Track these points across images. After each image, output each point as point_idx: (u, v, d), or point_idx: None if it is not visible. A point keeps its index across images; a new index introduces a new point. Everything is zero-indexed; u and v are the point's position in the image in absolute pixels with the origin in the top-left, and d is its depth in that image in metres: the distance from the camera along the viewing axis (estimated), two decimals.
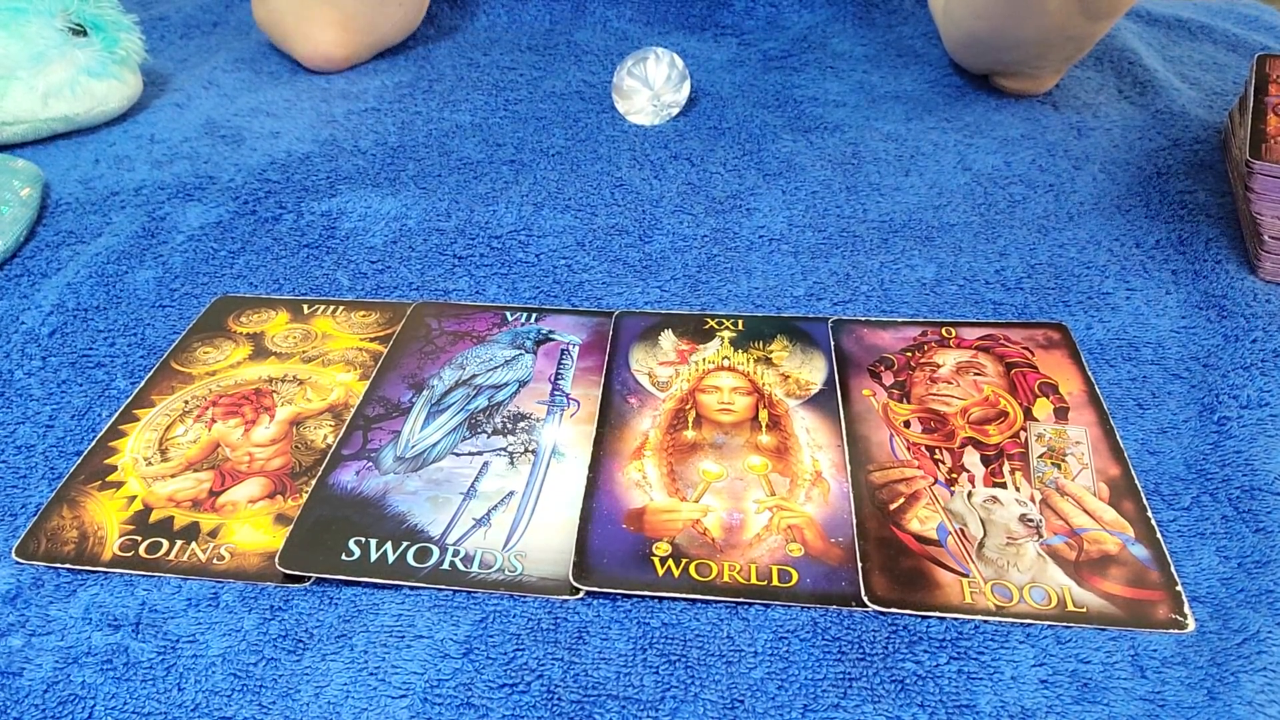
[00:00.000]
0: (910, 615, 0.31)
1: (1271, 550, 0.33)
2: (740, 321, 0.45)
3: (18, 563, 0.33)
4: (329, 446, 0.38)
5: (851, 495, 0.35)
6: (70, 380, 0.42)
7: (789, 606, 0.31)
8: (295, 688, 0.29)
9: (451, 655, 0.30)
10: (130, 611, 0.32)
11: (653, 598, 0.32)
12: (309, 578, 0.32)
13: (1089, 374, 0.40)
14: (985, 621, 0.31)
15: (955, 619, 0.31)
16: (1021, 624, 0.31)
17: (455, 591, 0.32)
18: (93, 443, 0.38)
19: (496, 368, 0.41)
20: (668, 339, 0.44)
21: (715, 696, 0.29)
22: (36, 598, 0.32)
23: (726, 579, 0.32)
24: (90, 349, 0.44)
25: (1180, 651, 0.30)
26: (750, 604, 0.31)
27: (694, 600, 0.32)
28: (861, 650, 0.30)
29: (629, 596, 0.32)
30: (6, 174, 0.53)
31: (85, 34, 0.61)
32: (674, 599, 0.32)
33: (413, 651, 0.30)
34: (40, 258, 0.50)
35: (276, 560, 0.33)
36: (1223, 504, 0.35)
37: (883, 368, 0.41)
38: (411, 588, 0.32)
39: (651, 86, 0.61)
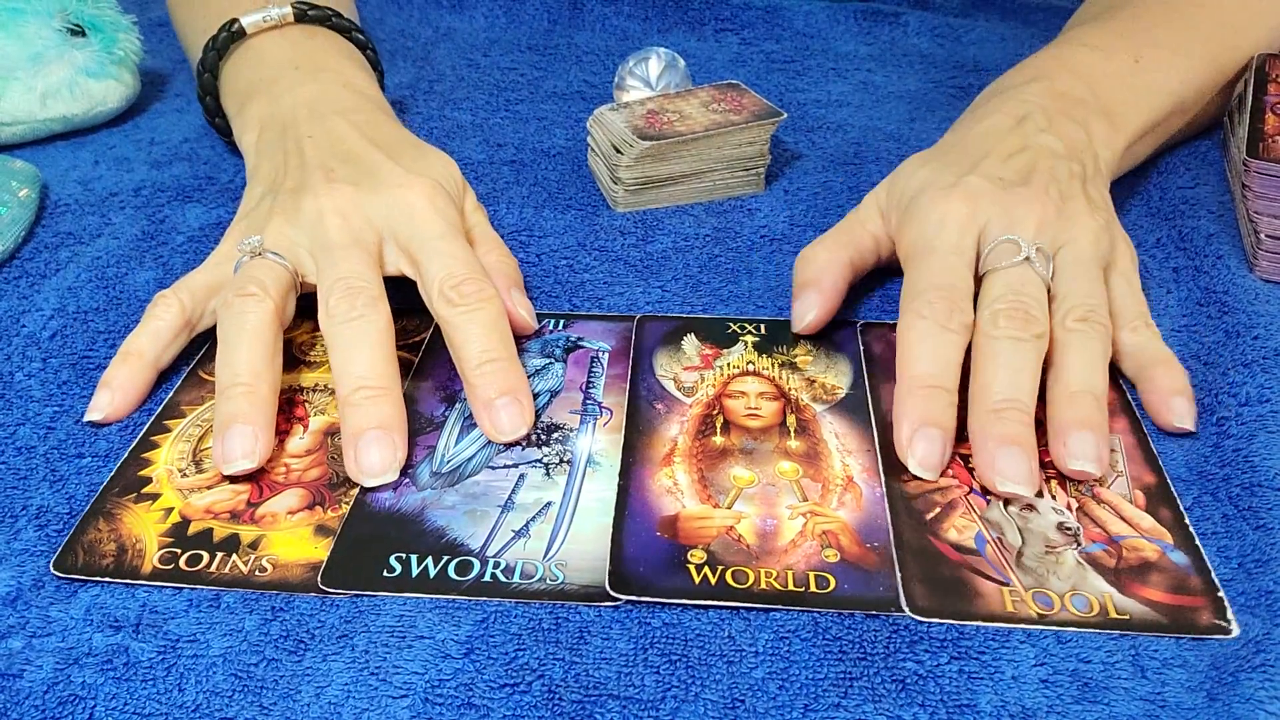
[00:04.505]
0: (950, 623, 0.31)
1: (1271, 549, 0.33)
2: (763, 325, 0.45)
3: (55, 575, 0.33)
4: None
5: (887, 502, 0.35)
6: (71, 382, 0.42)
7: (805, 610, 0.31)
8: (296, 688, 0.29)
9: (452, 655, 0.30)
10: (131, 612, 0.32)
11: (692, 606, 0.31)
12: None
13: (1120, 382, 0.40)
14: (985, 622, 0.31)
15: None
16: (1021, 624, 0.31)
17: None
18: (124, 455, 0.38)
19: (528, 377, 0.41)
20: (690, 343, 0.43)
21: (716, 696, 0.29)
22: (37, 599, 0.32)
23: (764, 586, 0.32)
24: (90, 350, 0.44)
25: (1180, 653, 0.30)
26: (770, 609, 0.31)
27: (709, 606, 0.31)
28: (862, 650, 0.30)
29: (667, 605, 0.32)
30: (4, 175, 0.53)
31: (83, 34, 0.61)
32: (705, 607, 0.31)
33: (414, 652, 0.30)
34: (39, 259, 0.50)
35: (319, 579, 0.32)
36: (1223, 503, 0.35)
37: None
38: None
39: (653, 86, 0.61)
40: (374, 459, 0.35)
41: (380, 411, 0.36)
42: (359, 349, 0.37)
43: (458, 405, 0.40)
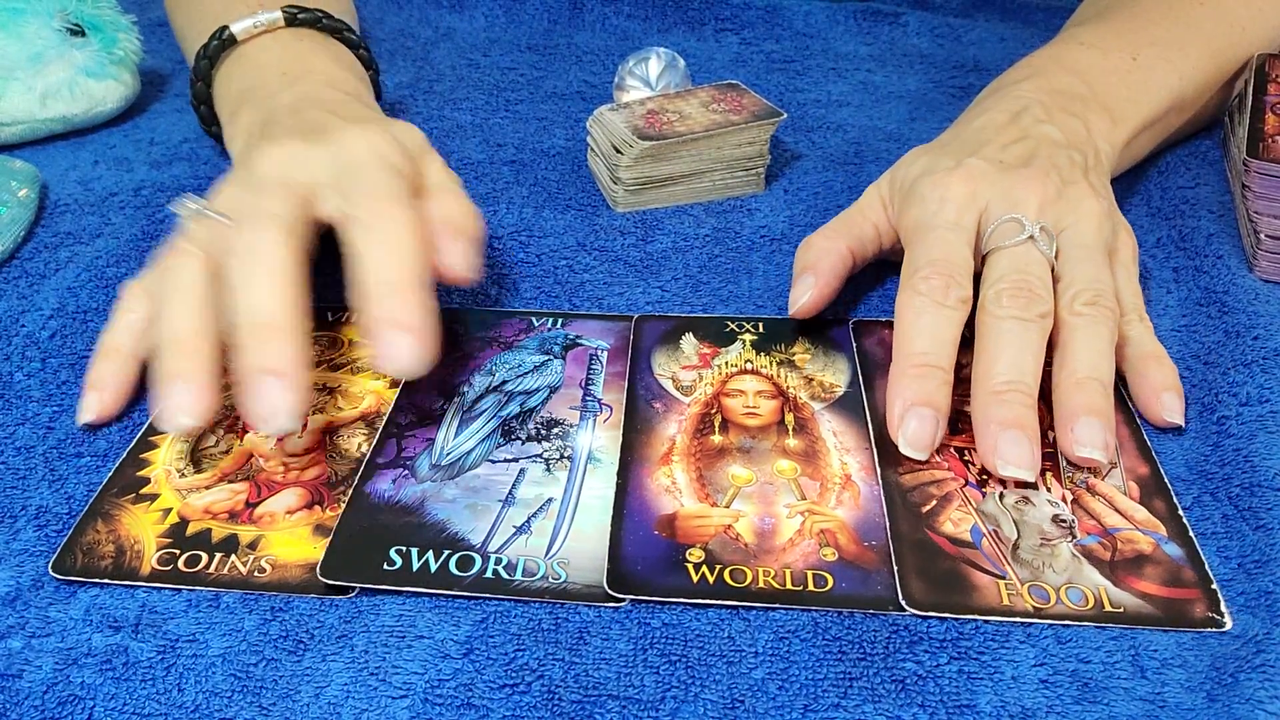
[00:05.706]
0: (933, 617, 0.31)
1: (1271, 549, 0.33)
2: (761, 324, 0.45)
3: (54, 577, 0.33)
4: (364, 455, 0.37)
5: (884, 498, 0.35)
6: (70, 382, 0.42)
7: (804, 610, 0.31)
8: (295, 688, 0.29)
9: (452, 655, 0.30)
10: (130, 613, 0.32)
11: (689, 605, 0.31)
12: (352, 589, 0.32)
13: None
14: (985, 621, 0.31)
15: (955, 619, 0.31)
16: (1022, 623, 0.31)
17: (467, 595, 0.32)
18: (123, 455, 0.38)
19: (526, 374, 0.41)
20: (689, 342, 0.43)
21: (716, 696, 0.29)
22: (36, 599, 0.32)
23: (761, 584, 0.32)
24: (90, 350, 0.44)
25: (1180, 653, 0.30)
26: (768, 608, 0.31)
27: (707, 605, 0.31)
28: (862, 650, 0.30)
29: (667, 604, 0.31)
30: (4, 175, 0.53)
31: (83, 34, 0.61)
32: (704, 606, 0.31)
33: (413, 652, 0.30)
34: (39, 259, 0.50)
35: (318, 570, 0.32)
36: (1223, 503, 0.35)
37: None
38: (432, 595, 0.32)
39: (653, 86, 0.61)
40: (264, 404, 0.32)
41: (275, 352, 0.33)
42: (255, 279, 0.34)
43: (456, 399, 0.40)
